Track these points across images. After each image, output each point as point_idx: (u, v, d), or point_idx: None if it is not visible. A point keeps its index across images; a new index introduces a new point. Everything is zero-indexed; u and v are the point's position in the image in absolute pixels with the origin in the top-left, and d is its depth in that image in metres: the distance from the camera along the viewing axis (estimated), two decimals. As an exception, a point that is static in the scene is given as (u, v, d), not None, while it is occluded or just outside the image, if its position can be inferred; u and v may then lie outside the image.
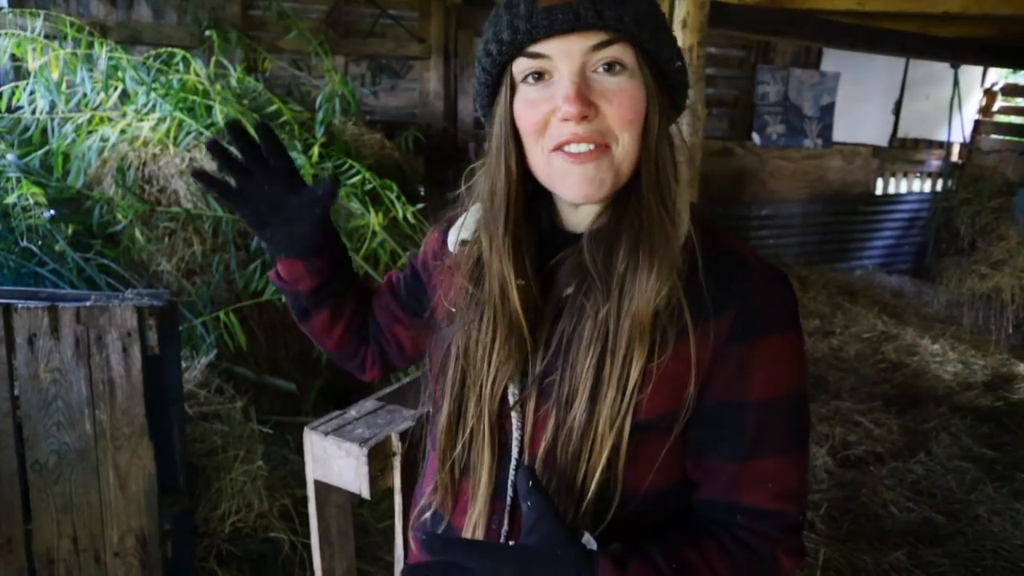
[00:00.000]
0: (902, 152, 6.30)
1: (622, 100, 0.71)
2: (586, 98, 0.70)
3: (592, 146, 0.71)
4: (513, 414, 0.77)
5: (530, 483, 0.69)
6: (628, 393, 0.71)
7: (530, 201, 0.79)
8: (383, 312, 1.01)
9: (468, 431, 0.79)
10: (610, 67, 0.70)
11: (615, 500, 0.73)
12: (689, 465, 0.78)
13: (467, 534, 0.79)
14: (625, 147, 0.72)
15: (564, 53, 0.69)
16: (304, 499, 2.16)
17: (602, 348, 0.72)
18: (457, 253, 0.85)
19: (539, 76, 0.72)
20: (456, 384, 0.80)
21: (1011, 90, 6.40)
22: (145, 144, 2.82)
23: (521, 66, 0.72)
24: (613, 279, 0.72)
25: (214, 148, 0.87)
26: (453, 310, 0.82)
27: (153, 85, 2.83)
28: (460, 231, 0.85)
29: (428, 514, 0.86)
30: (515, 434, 0.77)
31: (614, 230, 0.75)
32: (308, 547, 2.08)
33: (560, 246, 0.79)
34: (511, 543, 0.75)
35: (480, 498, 0.78)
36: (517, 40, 0.70)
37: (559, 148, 0.72)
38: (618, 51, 0.70)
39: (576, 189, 0.73)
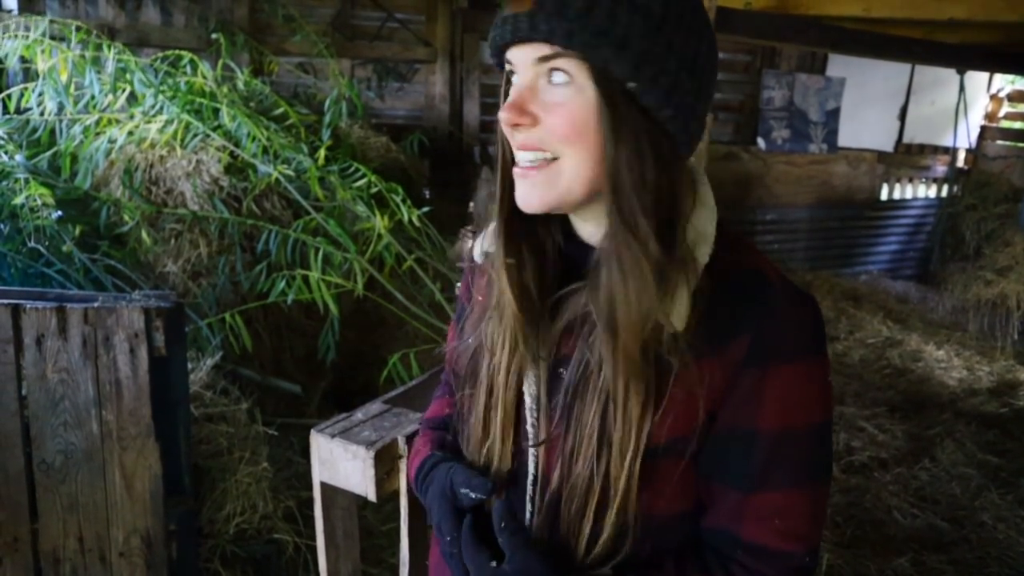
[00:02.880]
0: (907, 158, 6.29)
1: (560, 113, 0.69)
2: (520, 106, 0.70)
3: (538, 156, 0.71)
4: (530, 450, 0.78)
5: (502, 523, 0.73)
6: (634, 431, 0.71)
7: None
8: None
9: (493, 445, 0.80)
10: (556, 78, 0.69)
11: (630, 530, 0.73)
12: (699, 488, 0.76)
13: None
14: (572, 163, 0.70)
15: (520, 61, 0.71)
16: (308, 501, 2.16)
17: (605, 397, 0.71)
18: (482, 263, 0.86)
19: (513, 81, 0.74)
20: (482, 399, 0.81)
21: (1017, 96, 6.39)
22: (152, 146, 2.83)
23: (507, 70, 0.75)
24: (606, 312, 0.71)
25: None
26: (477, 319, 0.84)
27: (161, 87, 2.84)
28: (484, 242, 0.85)
29: None
30: (530, 467, 0.78)
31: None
32: (312, 549, 2.09)
33: (573, 255, 0.79)
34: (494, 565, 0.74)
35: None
36: (494, 45, 0.73)
37: (513, 159, 0.74)
38: (564, 64, 0.68)
39: (520, 199, 0.74)
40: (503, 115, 0.71)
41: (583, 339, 0.74)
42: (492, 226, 0.81)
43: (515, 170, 0.74)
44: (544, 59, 0.69)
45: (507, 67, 0.74)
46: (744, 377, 0.71)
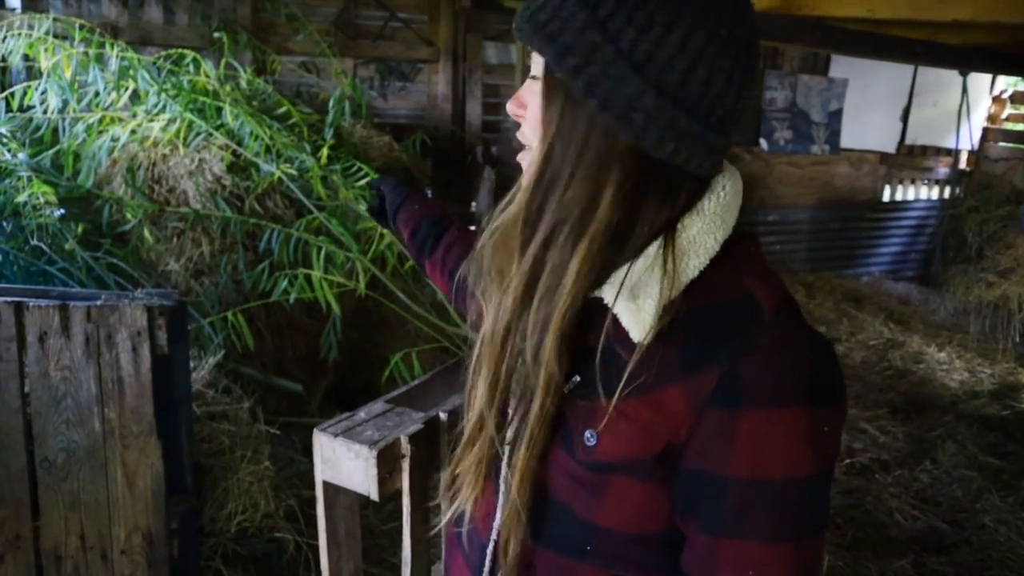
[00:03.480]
0: (910, 159, 6.28)
1: (532, 105, 0.72)
2: (519, 99, 0.74)
3: (527, 148, 0.75)
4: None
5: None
6: (530, 423, 0.70)
7: None
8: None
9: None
10: (535, 76, 0.72)
11: (587, 533, 0.71)
12: (678, 520, 0.70)
13: (478, 525, 0.81)
14: (534, 154, 0.73)
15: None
16: (310, 500, 2.17)
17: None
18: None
19: None
20: (479, 389, 0.80)
21: (1020, 98, 6.38)
22: (155, 144, 2.84)
23: None
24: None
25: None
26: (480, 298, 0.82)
27: (163, 86, 2.84)
28: None
29: (457, 506, 0.86)
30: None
31: None
32: (313, 548, 2.09)
33: None
34: None
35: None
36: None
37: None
38: (536, 60, 0.71)
39: None
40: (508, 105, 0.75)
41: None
42: None
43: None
44: (530, 55, 0.72)
45: None
46: (711, 416, 0.64)
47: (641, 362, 0.65)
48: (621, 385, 0.66)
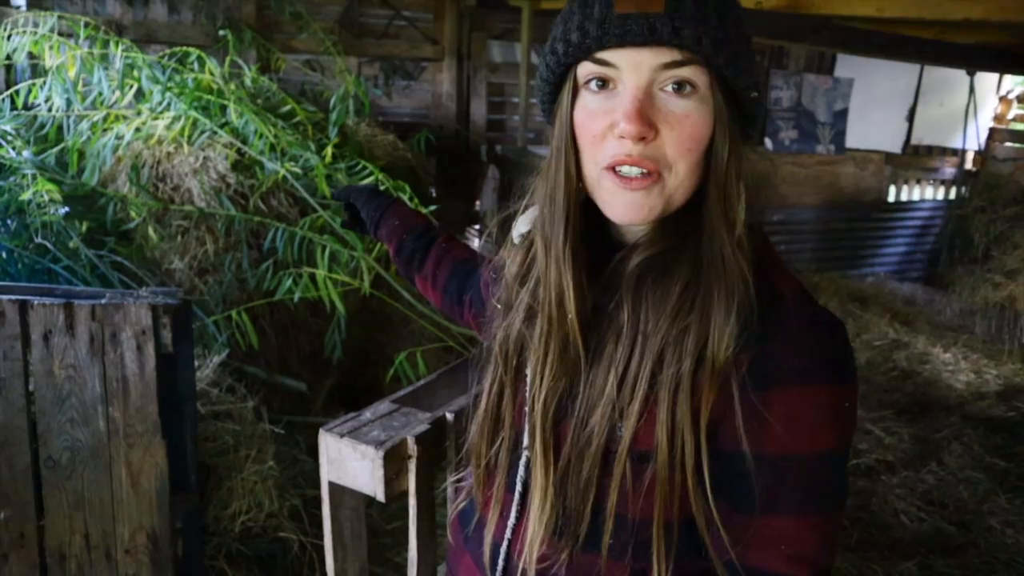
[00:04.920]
0: (915, 159, 6.26)
1: (684, 127, 0.67)
2: (647, 118, 0.66)
3: (644, 171, 0.68)
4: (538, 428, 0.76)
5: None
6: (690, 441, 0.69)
7: (584, 205, 0.76)
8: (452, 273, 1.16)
9: (503, 436, 0.79)
10: (679, 88, 0.66)
11: (629, 524, 0.71)
12: (703, 505, 0.71)
13: (490, 526, 0.80)
14: (679, 176, 0.69)
15: (632, 65, 0.66)
16: (314, 499, 2.16)
17: (623, 372, 0.69)
18: (509, 250, 0.84)
19: (603, 83, 0.69)
20: (494, 388, 0.79)
21: (1027, 98, 6.36)
22: (159, 142, 2.83)
23: (586, 70, 0.69)
24: (667, 306, 0.69)
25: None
26: (498, 306, 0.81)
27: (168, 84, 2.84)
28: (521, 224, 0.84)
29: (464, 503, 0.86)
30: (527, 440, 0.77)
31: (672, 252, 0.71)
32: (317, 548, 2.08)
33: (611, 257, 0.76)
34: None
35: (499, 491, 0.80)
36: (585, 44, 0.66)
37: (612, 167, 0.69)
38: (691, 72, 0.65)
39: (620, 212, 0.70)
40: (629, 128, 0.65)
41: (625, 316, 0.71)
42: (533, 209, 0.80)
43: (614, 185, 0.69)
44: (673, 65, 0.65)
45: (591, 69, 0.69)
46: (745, 398, 0.67)
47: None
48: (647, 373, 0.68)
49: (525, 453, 0.77)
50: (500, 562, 0.80)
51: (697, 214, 0.71)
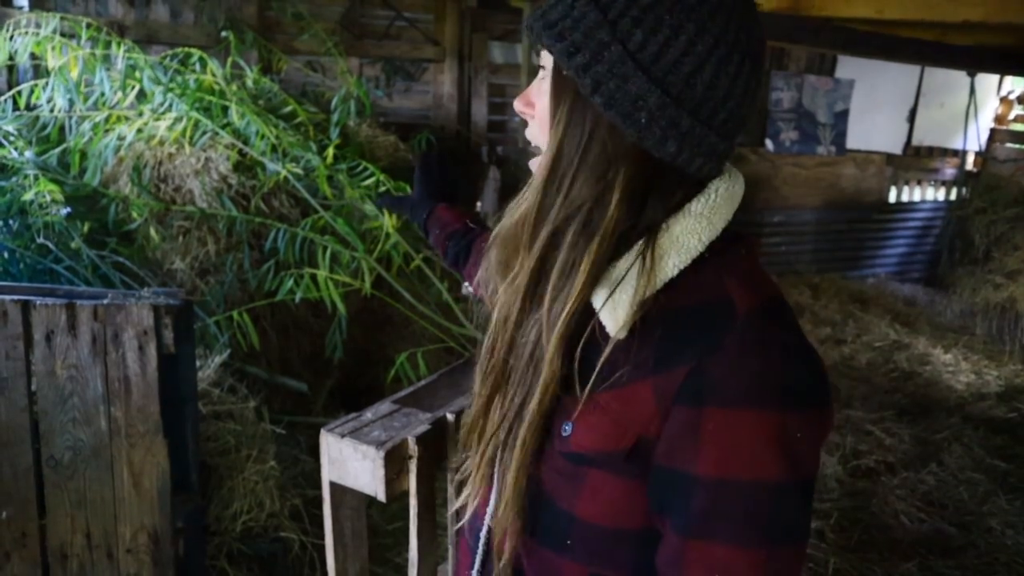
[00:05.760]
0: (916, 160, 6.26)
1: (541, 102, 0.73)
2: (528, 96, 0.75)
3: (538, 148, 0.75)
4: None
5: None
6: (536, 400, 0.72)
7: None
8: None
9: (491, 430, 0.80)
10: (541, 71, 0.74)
11: (567, 525, 0.72)
12: (653, 517, 0.70)
13: (472, 511, 0.84)
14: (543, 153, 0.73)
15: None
16: (315, 499, 2.16)
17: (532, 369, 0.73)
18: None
19: None
20: (487, 379, 0.80)
21: (1027, 99, 6.35)
22: (161, 143, 2.84)
23: None
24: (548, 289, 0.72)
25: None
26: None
27: (170, 85, 2.84)
28: None
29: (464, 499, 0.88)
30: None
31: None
32: (318, 547, 2.09)
33: None
34: None
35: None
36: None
37: None
38: (546, 59, 0.72)
39: None
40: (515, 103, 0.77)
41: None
42: None
43: None
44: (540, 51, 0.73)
45: None
46: (678, 413, 0.64)
47: (616, 356, 0.67)
48: (593, 377, 0.68)
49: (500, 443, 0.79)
50: (480, 547, 0.83)
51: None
